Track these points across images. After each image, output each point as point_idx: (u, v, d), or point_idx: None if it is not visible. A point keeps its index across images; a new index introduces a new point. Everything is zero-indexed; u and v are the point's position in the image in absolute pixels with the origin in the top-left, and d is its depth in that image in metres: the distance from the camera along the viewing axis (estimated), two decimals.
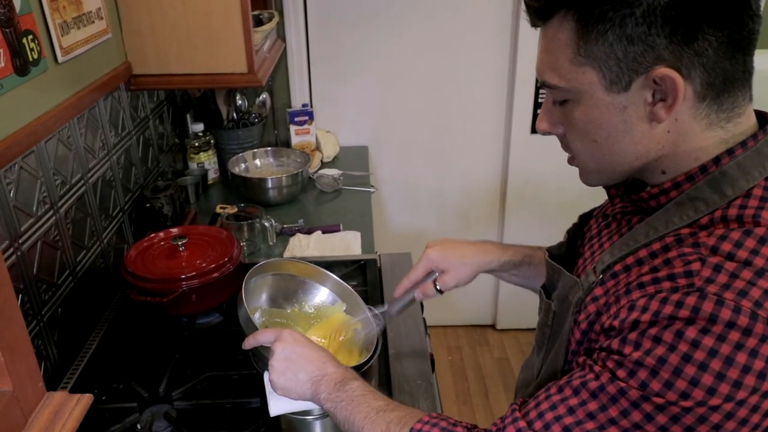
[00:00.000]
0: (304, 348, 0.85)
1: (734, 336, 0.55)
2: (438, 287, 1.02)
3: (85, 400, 0.60)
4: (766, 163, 0.63)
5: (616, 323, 0.63)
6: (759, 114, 0.67)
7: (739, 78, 0.62)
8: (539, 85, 0.72)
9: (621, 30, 0.59)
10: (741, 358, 0.55)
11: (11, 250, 1.01)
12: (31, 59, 1.05)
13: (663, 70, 0.59)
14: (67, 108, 1.17)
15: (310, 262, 1.12)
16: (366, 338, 1.01)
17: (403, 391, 1.09)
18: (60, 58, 1.15)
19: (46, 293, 1.12)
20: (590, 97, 0.65)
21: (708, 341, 0.56)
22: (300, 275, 1.10)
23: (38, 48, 1.08)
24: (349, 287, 1.10)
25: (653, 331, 0.58)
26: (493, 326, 2.74)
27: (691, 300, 0.57)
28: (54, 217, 1.16)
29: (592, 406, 0.62)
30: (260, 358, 0.93)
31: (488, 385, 2.44)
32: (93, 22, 1.30)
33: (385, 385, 1.10)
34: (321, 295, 1.11)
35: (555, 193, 2.39)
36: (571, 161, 0.75)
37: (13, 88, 1.01)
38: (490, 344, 2.66)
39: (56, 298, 1.16)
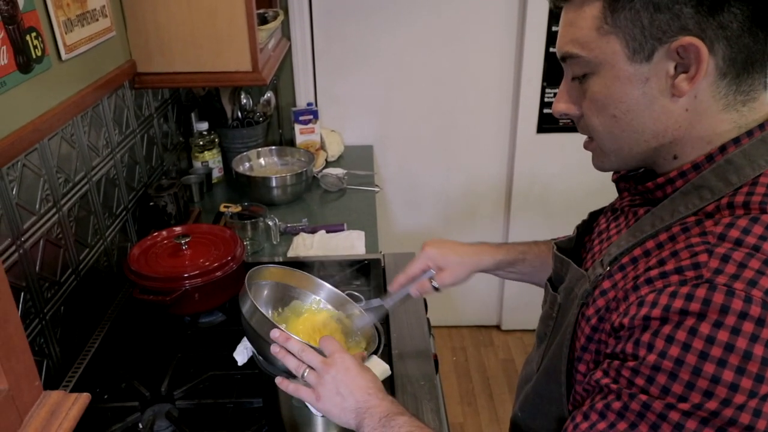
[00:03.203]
0: (354, 377, 0.83)
1: (748, 327, 0.54)
2: (435, 285, 1.03)
3: (83, 399, 0.59)
4: None
5: (626, 321, 0.62)
6: None
7: (759, 60, 0.62)
8: (560, 60, 0.71)
9: None
10: (758, 350, 0.54)
11: (14, 248, 1.01)
12: (34, 56, 1.05)
13: (688, 39, 0.60)
14: (70, 106, 1.17)
15: (307, 262, 1.11)
16: (360, 332, 1.00)
17: (407, 392, 1.08)
18: (64, 56, 1.15)
19: (48, 291, 1.12)
20: (612, 67, 0.65)
21: (723, 336, 0.55)
22: (290, 284, 1.08)
23: (42, 45, 1.07)
24: (338, 291, 1.08)
25: (666, 330, 0.57)
26: (498, 327, 2.72)
27: (701, 292, 0.56)
28: (57, 215, 1.15)
29: (622, 426, 0.60)
30: (265, 356, 0.92)
31: (493, 386, 2.43)
32: (97, 19, 1.30)
33: (389, 386, 1.09)
34: (312, 298, 1.09)
35: (561, 193, 2.37)
36: (588, 144, 0.74)
37: (16, 85, 1.00)
38: (495, 345, 2.64)
39: (59, 296, 1.15)
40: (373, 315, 1.02)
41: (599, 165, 0.74)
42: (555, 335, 0.79)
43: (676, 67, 0.62)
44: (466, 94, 2.26)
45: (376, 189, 1.96)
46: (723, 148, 0.64)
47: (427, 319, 1.30)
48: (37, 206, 1.09)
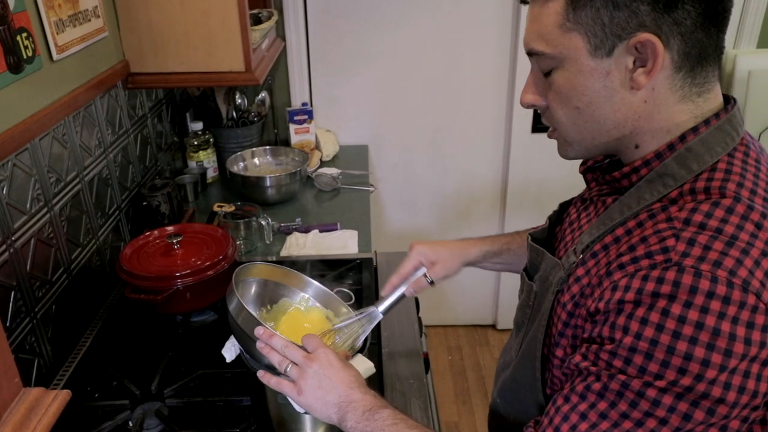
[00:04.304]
0: (336, 371, 0.83)
1: (715, 306, 0.57)
2: (429, 279, 1.05)
3: (62, 396, 0.60)
4: (727, 140, 0.67)
5: (601, 305, 0.64)
6: (724, 96, 0.71)
7: (712, 54, 0.65)
8: (527, 54, 0.74)
9: None
10: (725, 327, 0.57)
11: (4, 246, 1.02)
12: (25, 57, 1.06)
13: (645, 35, 0.63)
14: (62, 106, 1.18)
15: (299, 261, 1.11)
16: (355, 341, 0.99)
17: (395, 390, 1.08)
18: (55, 56, 1.15)
19: (39, 290, 1.12)
20: (575, 62, 0.67)
21: (693, 315, 0.57)
22: (279, 281, 1.08)
23: (33, 46, 1.08)
24: (326, 288, 1.08)
25: (640, 312, 0.60)
26: (493, 326, 2.73)
27: (670, 275, 0.59)
28: (48, 215, 1.16)
29: (602, 405, 0.63)
30: (252, 354, 0.92)
31: (488, 385, 2.43)
32: (89, 20, 1.30)
33: (377, 385, 1.09)
34: (300, 295, 1.10)
35: (555, 193, 2.35)
36: (552, 134, 0.77)
37: (7, 85, 1.01)
38: (491, 344, 2.65)
39: (50, 295, 1.16)
40: (368, 325, 0.99)
41: (564, 154, 0.78)
42: (532, 323, 0.82)
43: (634, 62, 0.65)
44: (460, 93, 2.27)
45: (371, 189, 1.97)
46: (683, 137, 0.67)
47: (419, 318, 1.31)
48: (28, 206, 1.09)
